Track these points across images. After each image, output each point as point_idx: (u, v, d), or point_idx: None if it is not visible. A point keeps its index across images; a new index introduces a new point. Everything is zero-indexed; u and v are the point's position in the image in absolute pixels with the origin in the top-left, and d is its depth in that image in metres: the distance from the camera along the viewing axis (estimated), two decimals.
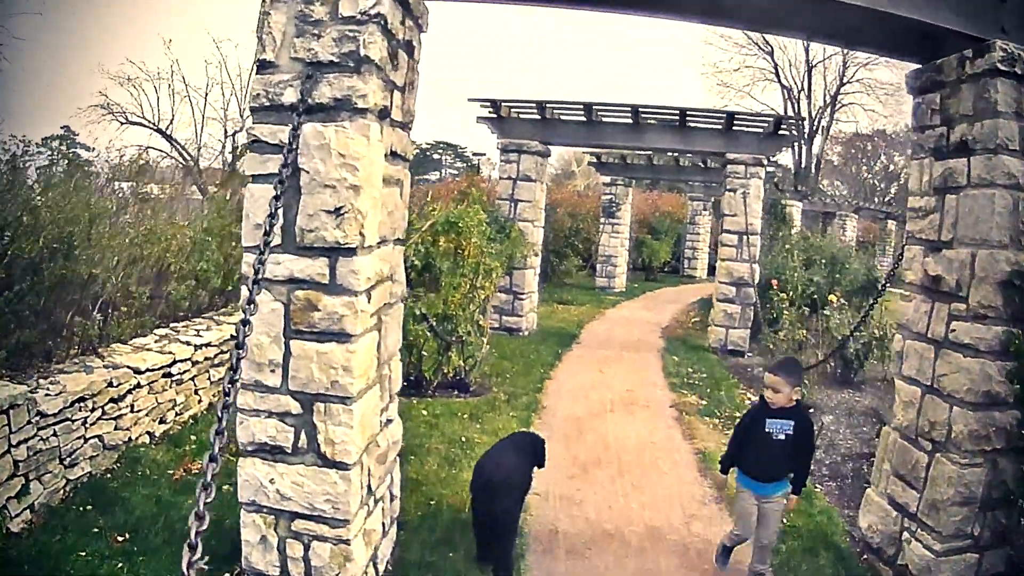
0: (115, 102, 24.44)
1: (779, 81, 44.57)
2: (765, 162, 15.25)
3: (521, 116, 15.86)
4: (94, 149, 17.46)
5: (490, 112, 15.62)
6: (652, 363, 14.24)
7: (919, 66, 6.32)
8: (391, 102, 4.84)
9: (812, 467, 8.79)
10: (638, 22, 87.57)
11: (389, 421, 5.54)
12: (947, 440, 5.64)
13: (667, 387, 12.32)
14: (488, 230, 11.24)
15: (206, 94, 26.11)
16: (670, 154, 23.62)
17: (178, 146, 25.20)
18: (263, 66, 4.57)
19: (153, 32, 32.33)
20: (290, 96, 4.46)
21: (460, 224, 9.62)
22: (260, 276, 3.68)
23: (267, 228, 3.87)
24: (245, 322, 3.43)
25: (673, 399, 11.52)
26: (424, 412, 9.67)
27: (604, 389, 11.89)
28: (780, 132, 15.19)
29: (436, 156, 62.22)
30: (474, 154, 43.21)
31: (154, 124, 25.11)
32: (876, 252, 26.41)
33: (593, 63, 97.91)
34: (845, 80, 44.45)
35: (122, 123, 24.55)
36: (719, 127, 15.28)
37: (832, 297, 12.69)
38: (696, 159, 23.78)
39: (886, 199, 50.88)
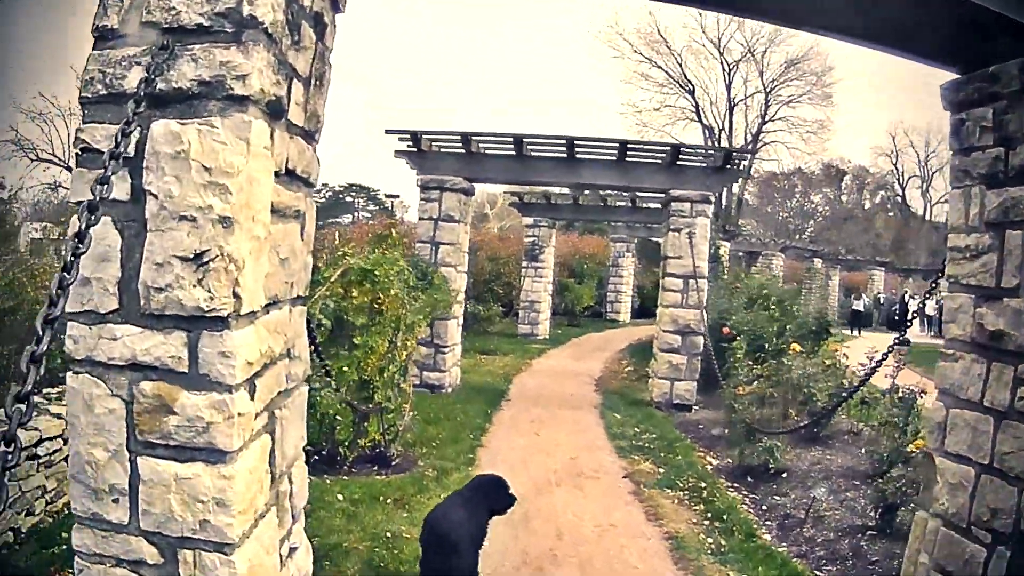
0: (26, 138, 22.78)
1: (700, 120, 44.48)
2: (712, 199, 14.08)
3: (444, 150, 14.40)
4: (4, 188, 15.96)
5: (409, 145, 14.13)
6: (592, 422, 12.81)
7: (957, 76, 5.15)
8: (288, 95, 3.31)
9: (804, 548, 7.56)
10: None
11: (293, 549, 3.94)
12: (1014, 531, 4.53)
13: (615, 452, 10.88)
14: (409, 277, 9.68)
15: None
16: (595, 193, 22.48)
17: None
18: (103, 36, 3.04)
19: (66, 65, 30.38)
20: (136, 78, 2.91)
21: (377, 273, 8.02)
22: (31, 379, 1.98)
23: (58, 286, 2.24)
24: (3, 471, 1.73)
25: (624, 467, 10.10)
26: (340, 497, 8.00)
27: (544, 457, 10.39)
28: (729, 166, 14.05)
29: (348, 199, 60.35)
30: (387, 196, 41.58)
31: (64, 161, 23.96)
32: (806, 291, 25.66)
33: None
34: (767, 118, 44.54)
35: (32, 160, 22.82)
36: (663, 161, 14.04)
37: (795, 346, 11.47)
38: (625, 198, 22.66)
39: (802, 237, 51.02)
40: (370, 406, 8.61)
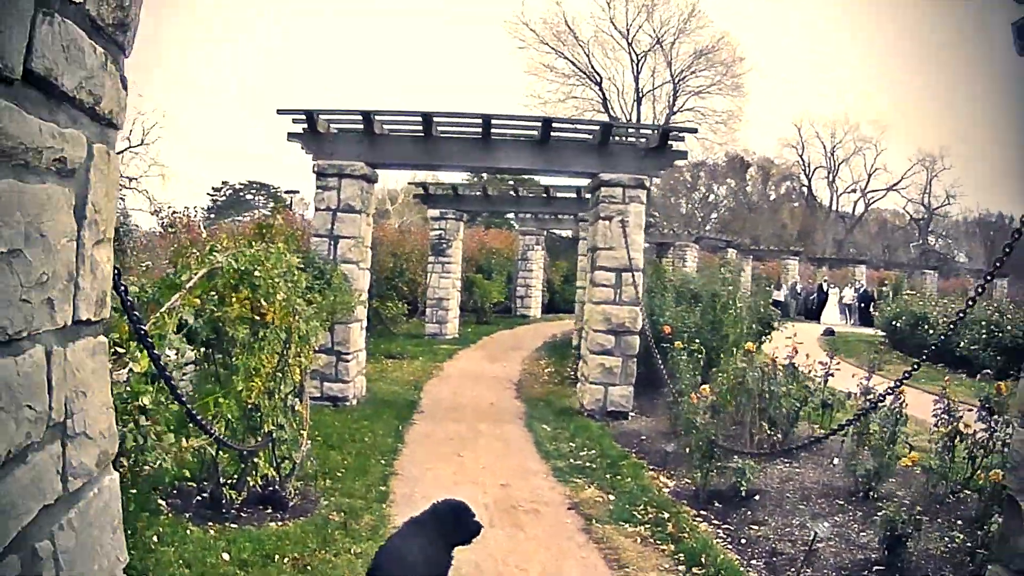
0: None
1: (607, 112, 43.50)
2: (648, 184, 12.63)
3: (343, 131, 12.60)
4: None
5: (304, 128, 12.31)
6: (520, 438, 11.25)
7: None
8: None
9: None
10: None
11: None
12: None
13: (551, 475, 9.34)
14: (300, 277, 7.91)
15: None
16: (504, 183, 20.98)
17: None
18: None
19: None
20: None
21: (257, 273, 6.27)
22: None
23: None
24: None
25: (567, 495, 8.56)
26: (225, 556, 6.21)
27: (471, 487, 8.77)
28: (666, 147, 12.60)
29: (249, 197, 57.52)
30: (286, 192, 39.07)
31: None
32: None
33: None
34: (676, 109, 43.86)
35: None
36: (591, 141, 12.56)
37: (750, 344, 10.13)
38: (537, 189, 21.21)
39: (707, 228, 50.55)
40: (257, 439, 6.85)
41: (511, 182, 23.03)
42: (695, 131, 11.80)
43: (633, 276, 12.20)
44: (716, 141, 47.90)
